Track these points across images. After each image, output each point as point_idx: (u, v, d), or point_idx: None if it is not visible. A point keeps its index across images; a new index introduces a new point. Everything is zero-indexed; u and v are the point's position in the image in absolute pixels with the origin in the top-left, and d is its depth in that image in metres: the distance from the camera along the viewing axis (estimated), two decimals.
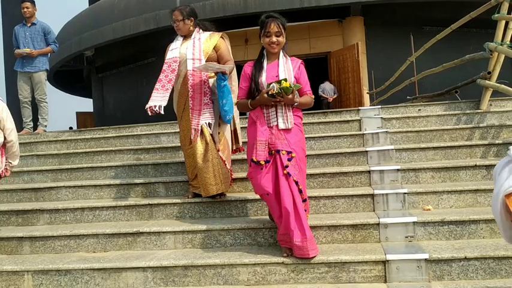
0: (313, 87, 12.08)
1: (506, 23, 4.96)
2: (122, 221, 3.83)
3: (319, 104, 11.48)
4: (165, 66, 3.69)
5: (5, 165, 3.59)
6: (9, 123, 3.53)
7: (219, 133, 3.69)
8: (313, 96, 3.11)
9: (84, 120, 18.42)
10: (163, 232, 3.40)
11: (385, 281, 2.79)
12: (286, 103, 2.90)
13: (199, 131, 3.58)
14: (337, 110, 5.60)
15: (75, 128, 16.87)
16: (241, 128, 4.06)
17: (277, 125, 2.92)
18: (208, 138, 3.58)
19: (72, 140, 5.67)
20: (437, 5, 11.16)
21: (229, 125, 3.75)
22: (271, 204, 2.96)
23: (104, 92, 15.88)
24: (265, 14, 3.06)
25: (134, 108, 12.11)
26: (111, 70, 15.17)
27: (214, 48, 3.68)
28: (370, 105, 9.85)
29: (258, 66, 3.04)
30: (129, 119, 8.68)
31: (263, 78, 2.98)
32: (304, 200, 2.91)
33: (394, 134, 4.61)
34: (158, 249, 3.38)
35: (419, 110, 5.23)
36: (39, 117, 6.14)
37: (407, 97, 8.80)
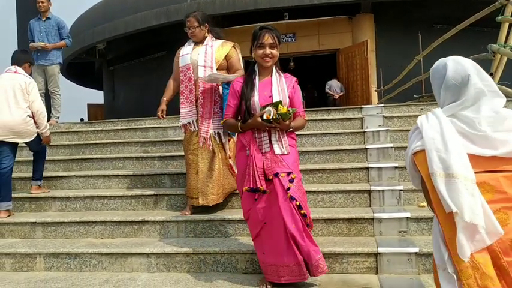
0: (321, 84, 12.06)
1: (510, 25, 5.03)
2: (129, 209, 4.00)
3: (326, 101, 11.57)
4: (181, 76, 3.68)
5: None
6: (32, 96, 4.07)
7: (229, 140, 3.70)
8: (305, 118, 2.88)
9: (95, 112, 18.71)
10: (167, 221, 3.56)
11: (377, 273, 2.92)
12: (280, 128, 2.65)
13: (208, 139, 3.56)
14: (341, 107, 5.72)
15: (86, 119, 17.14)
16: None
17: (271, 151, 2.66)
18: (216, 147, 3.58)
19: (83, 131, 5.88)
20: (449, 3, 11.13)
21: None
22: (267, 235, 2.65)
23: (115, 84, 16.13)
24: (259, 26, 2.79)
25: (144, 101, 12.32)
26: (122, 63, 15.40)
27: (225, 57, 3.65)
28: (377, 103, 9.93)
29: (249, 84, 2.73)
30: (138, 112, 8.87)
31: (255, 99, 2.68)
32: (304, 216, 2.63)
33: (395, 133, 4.72)
34: (162, 237, 3.54)
35: (421, 109, 5.31)
36: (52, 108, 6.34)
37: (414, 96, 8.88)
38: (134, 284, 2.93)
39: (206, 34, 3.72)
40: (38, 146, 4.27)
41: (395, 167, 3.95)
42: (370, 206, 3.62)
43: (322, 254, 2.78)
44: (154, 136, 5.51)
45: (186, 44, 3.78)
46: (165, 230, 3.56)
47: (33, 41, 6.14)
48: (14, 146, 4.09)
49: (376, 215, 3.29)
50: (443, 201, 1.68)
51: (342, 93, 11.66)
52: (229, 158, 3.61)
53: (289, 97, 2.73)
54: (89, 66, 18.35)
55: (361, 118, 5.09)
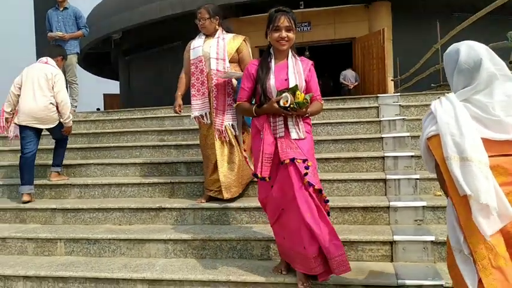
0: (336, 74, 11.95)
1: None
2: (146, 197, 4.07)
3: (340, 91, 11.48)
4: (192, 68, 3.65)
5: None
6: (58, 87, 4.22)
7: (243, 133, 3.71)
8: (322, 102, 2.80)
9: (110, 102, 18.90)
10: (184, 208, 3.62)
11: (392, 261, 2.93)
12: (297, 114, 2.58)
13: (223, 132, 3.55)
14: (356, 96, 5.68)
15: (102, 109, 17.35)
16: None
17: (286, 136, 2.57)
18: (233, 139, 3.58)
19: (100, 120, 5.97)
20: None
21: None
22: (285, 222, 2.59)
23: (130, 74, 16.26)
24: (275, 9, 2.67)
25: (159, 90, 12.41)
26: (137, 53, 15.50)
27: (237, 50, 3.65)
28: (394, 92, 9.82)
29: (264, 67, 2.65)
30: (154, 101, 8.95)
31: (271, 82, 2.59)
32: (326, 202, 2.57)
33: (411, 122, 4.68)
34: (179, 224, 3.60)
35: (438, 97, 5.23)
36: (69, 98, 6.43)
37: (432, 85, 8.75)
38: (152, 268, 2.99)
39: (217, 27, 3.70)
40: (59, 134, 4.39)
41: (412, 156, 3.93)
42: (385, 195, 3.61)
43: None
44: (171, 125, 5.57)
45: (197, 37, 3.77)
46: (181, 217, 3.62)
47: (51, 31, 6.22)
48: (37, 133, 4.25)
49: (392, 203, 3.29)
50: (457, 184, 1.72)
51: (356, 83, 11.55)
52: (244, 150, 3.62)
53: (305, 80, 2.65)
54: (104, 56, 18.51)
55: (377, 107, 5.05)
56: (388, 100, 5.18)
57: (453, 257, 1.85)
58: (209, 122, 3.62)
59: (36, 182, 4.29)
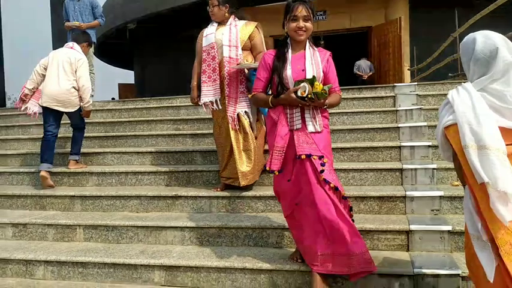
0: (351, 63, 11.80)
1: None
2: (162, 185, 4.12)
3: (355, 82, 11.36)
4: (204, 55, 3.65)
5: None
6: (80, 72, 4.37)
7: (257, 120, 3.71)
8: (341, 94, 2.74)
9: (125, 91, 19.04)
10: (200, 196, 3.65)
11: (408, 250, 2.92)
12: (314, 105, 2.52)
13: (236, 119, 3.56)
14: (372, 86, 5.62)
15: (117, 99, 17.50)
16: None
17: (302, 128, 2.52)
18: (247, 127, 3.57)
19: (116, 109, 6.03)
20: None
21: None
22: (303, 221, 2.55)
23: (145, 64, 16.31)
24: None
25: (174, 80, 12.45)
26: (152, 43, 15.53)
27: (249, 37, 3.65)
28: (410, 82, 9.69)
29: (281, 57, 2.60)
30: (169, 91, 8.99)
31: (288, 72, 2.55)
32: (344, 198, 2.54)
33: (429, 111, 4.63)
34: (195, 212, 3.64)
35: (456, 87, 5.16)
36: None
37: (449, 74, 8.61)
38: (169, 255, 3.04)
39: (226, 14, 3.69)
40: (78, 120, 4.52)
41: (429, 146, 3.89)
42: (402, 185, 3.59)
43: None
44: (186, 114, 5.60)
45: (209, 25, 3.78)
46: (197, 205, 3.65)
47: (68, 21, 6.28)
48: (58, 116, 4.43)
49: (408, 193, 3.27)
50: (475, 172, 1.76)
51: (371, 73, 11.41)
52: (256, 138, 3.62)
53: (323, 71, 2.59)
54: (119, 46, 18.59)
55: (394, 96, 5.00)
56: (405, 89, 5.13)
57: (471, 245, 1.87)
58: (219, 108, 3.61)
59: (55, 169, 4.38)
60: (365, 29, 12.18)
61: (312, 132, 2.51)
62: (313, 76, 2.47)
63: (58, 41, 8.57)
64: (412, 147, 3.92)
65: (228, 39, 3.60)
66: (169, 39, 14.52)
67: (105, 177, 4.28)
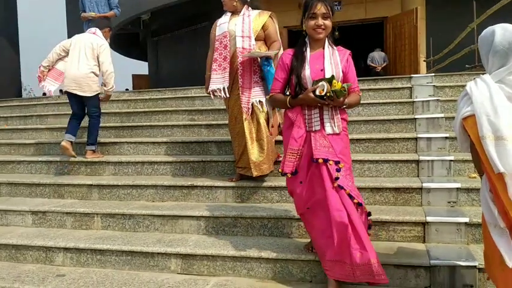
0: (366, 55, 11.62)
1: None
2: (178, 175, 4.16)
3: (368, 74, 11.24)
4: (216, 44, 3.65)
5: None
6: (102, 57, 4.53)
7: (273, 108, 3.67)
8: (361, 94, 2.68)
9: (139, 82, 19.12)
10: (215, 187, 3.68)
11: (424, 242, 2.91)
12: (334, 106, 2.46)
13: (250, 110, 3.56)
14: (388, 77, 5.57)
15: (130, 89, 17.60)
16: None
17: (320, 130, 2.48)
18: (261, 117, 3.57)
19: (132, 100, 6.09)
20: None
21: None
22: (315, 224, 2.54)
23: (159, 55, 16.38)
24: None
25: (188, 71, 12.48)
26: (166, 34, 15.57)
27: (262, 27, 3.63)
28: (426, 73, 9.56)
29: (299, 57, 2.54)
30: (182, 82, 9.02)
31: (306, 72, 2.49)
32: (359, 204, 2.44)
33: (446, 103, 4.57)
34: (210, 201, 3.67)
35: (474, 79, 5.08)
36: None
37: (466, 66, 8.46)
38: (185, 244, 3.08)
39: (235, 4, 3.66)
40: (94, 107, 4.65)
41: (446, 138, 3.85)
42: (418, 176, 3.57)
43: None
44: (201, 105, 5.63)
45: (223, 15, 3.78)
46: (212, 195, 3.68)
47: (84, 11, 6.32)
48: (79, 101, 4.60)
49: (425, 184, 3.25)
50: (492, 162, 1.81)
51: (385, 64, 11.26)
52: (272, 126, 3.61)
53: (342, 71, 2.53)
54: (133, 37, 18.67)
55: (410, 88, 4.95)
56: (421, 80, 5.07)
57: (489, 235, 1.88)
58: (226, 96, 3.60)
59: (72, 159, 4.44)
60: (380, 20, 12.02)
61: (329, 134, 2.47)
62: (332, 75, 2.42)
63: (73, 33, 8.69)
64: (429, 138, 3.88)
65: (241, 29, 3.59)
66: (183, 31, 14.54)
67: (121, 166, 4.34)
